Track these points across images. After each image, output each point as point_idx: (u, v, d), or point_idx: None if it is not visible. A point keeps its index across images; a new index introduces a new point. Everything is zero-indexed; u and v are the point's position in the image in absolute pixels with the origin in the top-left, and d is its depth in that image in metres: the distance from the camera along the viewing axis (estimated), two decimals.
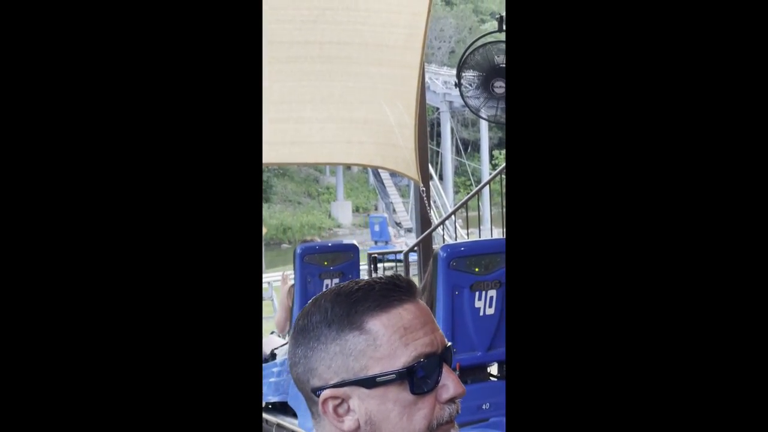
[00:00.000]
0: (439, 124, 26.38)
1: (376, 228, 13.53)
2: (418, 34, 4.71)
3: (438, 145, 27.59)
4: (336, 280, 3.87)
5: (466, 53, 4.40)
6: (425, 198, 5.27)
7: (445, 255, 2.91)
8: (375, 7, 4.64)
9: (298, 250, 3.87)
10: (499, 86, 4.32)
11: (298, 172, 30.61)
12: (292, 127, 4.71)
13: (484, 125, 22.59)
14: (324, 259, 3.87)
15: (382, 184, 18.92)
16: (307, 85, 4.69)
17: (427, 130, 5.60)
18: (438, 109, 25.57)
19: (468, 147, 29.19)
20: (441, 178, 25.31)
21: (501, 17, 4.40)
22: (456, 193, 23.40)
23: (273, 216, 27.02)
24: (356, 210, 30.19)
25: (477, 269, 2.89)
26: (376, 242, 13.28)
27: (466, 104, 4.50)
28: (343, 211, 29.39)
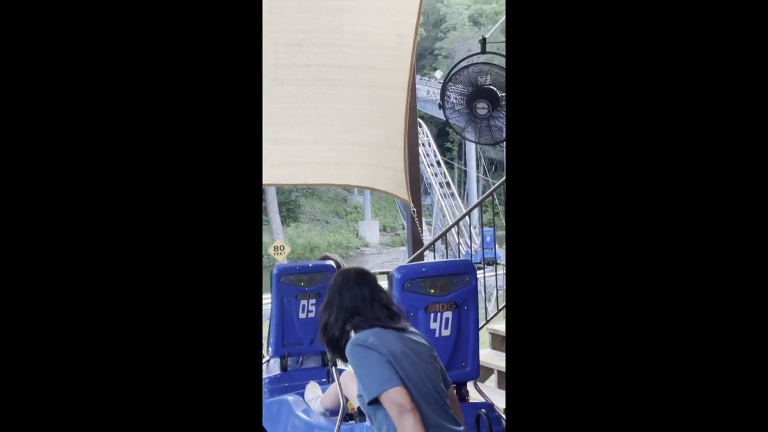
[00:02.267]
0: (464, 144, 26.34)
1: (488, 238, 15.66)
2: (405, 56, 4.72)
3: (464, 164, 27.54)
4: (313, 301, 3.87)
5: (450, 75, 4.39)
6: (417, 218, 5.26)
7: (399, 276, 2.89)
8: (361, 30, 4.66)
9: (275, 271, 3.87)
10: (482, 107, 4.30)
11: (326, 192, 30.72)
12: (279, 149, 4.73)
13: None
14: (300, 280, 3.86)
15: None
16: (294, 107, 4.71)
17: (418, 150, 5.59)
18: (466, 128, 25.49)
19: (494, 167, 29.11)
20: (467, 197, 25.24)
21: (484, 39, 4.39)
22: (484, 212, 23.24)
23: (300, 235, 27.11)
24: (383, 229, 30.20)
25: (432, 290, 2.87)
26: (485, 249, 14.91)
27: (450, 124, 4.49)
28: (370, 230, 29.41)
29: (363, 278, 2.52)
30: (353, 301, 2.45)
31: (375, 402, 2.29)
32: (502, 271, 9.34)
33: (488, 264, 14.60)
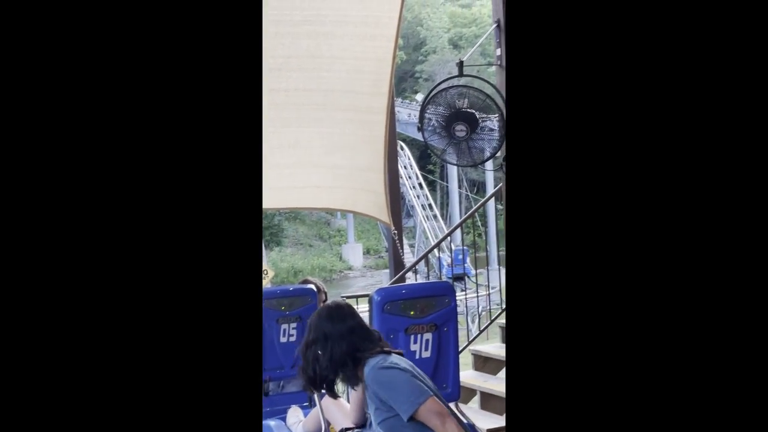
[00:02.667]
0: (446, 166, 26.41)
1: (460, 256, 17.01)
2: (384, 80, 4.76)
3: (447, 186, 27.63)
4: (293, 325, 3.86)
5: (428, 98, 4.41)
6: (398, 241, 5.27)
7: (379, 298, 2.92)
8: (340, 54, 4.69)
9: None
10: (460, 129, 4.33)
11: (309, 215, 30.68)
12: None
13: (489, 165, 22.54)
14: (281, 304, 3.85)
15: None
16: (273, 131, 4.73)
17: (398, 173, 5.62)
18: (445, 150, 25.59)
19: (476, 188, 29.21)
20: (449, 219, 25.30)
21: (461, 62, 4.43)
22: (467, 234, 23.33)
23: (284, 259, 27.03)
24: (367, 252, 30.16)
25: (412, 312, 2.90)
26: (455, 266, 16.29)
27: (428, 147, 4.51)
28: (354, 253, 29.37)
29: (352, 312, 2.56)
30: (351, 337, 2.47)
31: (411, 419, 2.33)
32: (485, 292, 9.37)
33: (458, 279, 15.64)
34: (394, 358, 2.44)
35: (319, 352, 2.48)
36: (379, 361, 2.41)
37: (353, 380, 2.49)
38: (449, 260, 17.19)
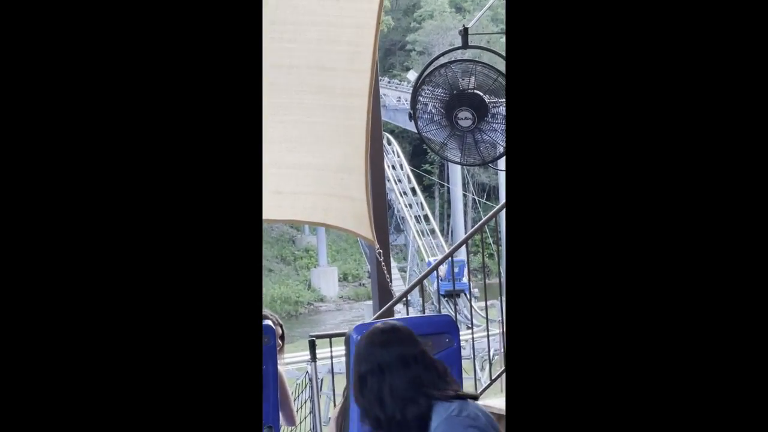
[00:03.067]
0: (447, 165, 26.57)
1: (456, 269, 17.25)
2: (365, 53, 4.74)
3: (448, 191, 27.75)
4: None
5: (423, 76, 4.41)
6: (383, 262, 5.26)
7: (357, 336, 2.81)
8: (308, 19, 4.67)
9: None
10: (464, 117, 4.32)
11: (269, 230, 30.71)
12: None
13: (502, 164, 22.65)
14: None
15: None
16: None
17: (384, 174, 5.63)
18: (445, 144, 25.74)
19: (486, 194, 29.33)
20: (451, 235, 25.41)
21: (465, 29, 4.43)
22: (474, 254, 23.39)
23: None
24: (344, 278, 30.21)
25: None
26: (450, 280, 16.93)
27: (423, 140, 4.52)
28: (326, 279, 29.40)
29: (411, 335, 2.54)
30: (415, 367, 2.45)
31: None
32: (497, 329, 9.37)
33: (455, 296, 15.80)
34: (473, 409, 2.44)
35: (376, 386, 2.45)
36: (455, 410, 2.40)
37: (420, 423, 2.46)
38: (443, 272, 17.94)
